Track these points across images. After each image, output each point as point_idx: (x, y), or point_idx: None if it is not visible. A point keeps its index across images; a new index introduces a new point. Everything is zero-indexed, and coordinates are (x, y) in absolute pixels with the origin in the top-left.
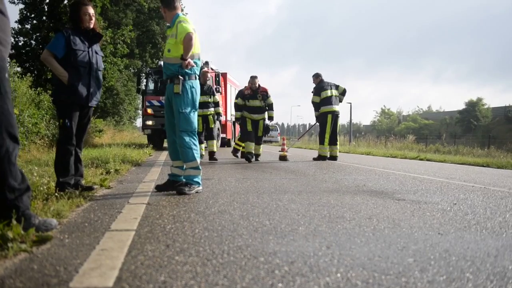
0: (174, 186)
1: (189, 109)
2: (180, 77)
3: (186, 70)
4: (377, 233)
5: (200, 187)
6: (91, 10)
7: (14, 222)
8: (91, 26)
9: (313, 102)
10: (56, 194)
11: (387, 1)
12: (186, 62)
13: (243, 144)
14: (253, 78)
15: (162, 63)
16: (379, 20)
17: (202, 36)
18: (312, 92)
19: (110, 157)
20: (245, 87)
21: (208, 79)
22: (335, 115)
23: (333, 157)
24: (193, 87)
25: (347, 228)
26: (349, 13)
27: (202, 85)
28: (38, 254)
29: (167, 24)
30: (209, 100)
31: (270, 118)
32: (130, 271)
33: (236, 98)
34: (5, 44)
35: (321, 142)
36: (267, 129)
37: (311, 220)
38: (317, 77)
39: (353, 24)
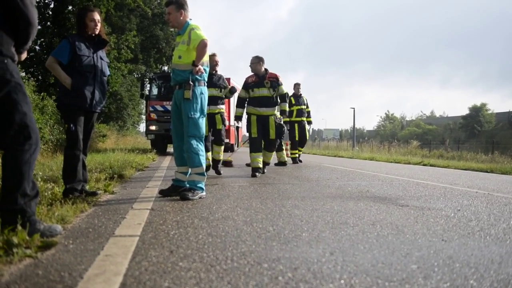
0: (177, 191)
1: (198, 114)
2: (191, 83)
3: (197, 76)
4: (380, 240)
5: (204, 193)
6: (97, 16)
7: (19, 227)
8: (97, 32)
9: None
10: (61, 199)
11: (398, 6)
12: (197, 68)
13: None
14: (253, 58)
15: (166, 68)
16: (390, 25)
17: (212, 41)
18: None
19: (114, 162)
20: (251, 75)
21: (217, 65)
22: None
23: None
24: (202, 93)
25: (350, 234)
26: (362, 17)
27: (211, 74)
28: (43, 260)
29: (171, 30)
30: (219, 94)
31: (283, 112)
32: (134, 277)
33: (241, 89)
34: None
35: (279, 149)
36: (280, 129)
37: (314, 226)
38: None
39: (364, 29)
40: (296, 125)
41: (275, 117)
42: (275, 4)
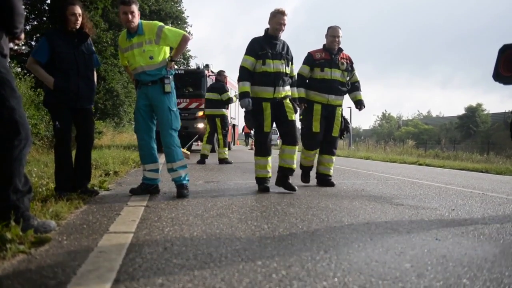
0: (148, 189)
1: (175, 107)
2: (169, 76)
3: (172, 71)
4: (374, 238)
5: (188, 183)
6: (78, 10)
7: (13, 223)
8: (77, 26)
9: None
10: (55, 195)
11: (402, 5)
12: (173, 64)
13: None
14: (334, 29)
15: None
16: (392, 26)
17: (216, 40)
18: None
19: (110, 159)
20: (317, 49)
21: (281, 30)
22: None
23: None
24: (173, 87)
25: (345, 232)
26: (365, 17)
27: (272, 36)
28: (37, 256)
29: (169, 25)
30: (286, 70)
31: (359, 103)
32: (128, 273)
33: (302, 65)
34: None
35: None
36: (346, 126)
37: (309, 225)
38: (220, 75)
39: (367, 29)
40: None
41: (342, 109)
42: (280, 3)
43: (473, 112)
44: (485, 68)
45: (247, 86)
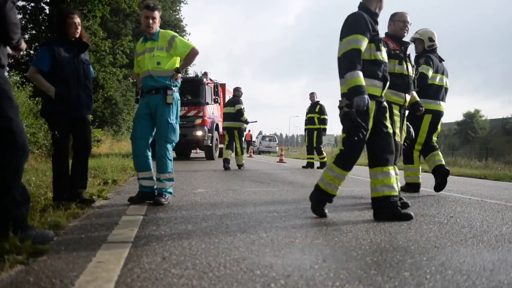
0: (146, 198)
1: (175, 120)
2: (173, 88)
3: (176, 83)
4: (373, 246)
5: (171, 196)
6: (77, 19)
7: (11, 233)
8: (77, 35)
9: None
10: (53, 205)
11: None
12: (178, 75)
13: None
14: (402, 14)
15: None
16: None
17: (219, 46)
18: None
19: (108, 167)
20: (384, 37)
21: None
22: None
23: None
24: (178, 99)
25: (343, 241)
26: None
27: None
28: (34, 266)
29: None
30: (381, 57)
31: (419, 104)
32: (126, 284)
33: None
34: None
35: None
36: (408, 132)
37: (307, 233)
38: (236, 90)
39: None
40: (315, 132)
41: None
42: (283, 10)
43: (471, 118)
44: (486, 74)
45: (361, 77)
